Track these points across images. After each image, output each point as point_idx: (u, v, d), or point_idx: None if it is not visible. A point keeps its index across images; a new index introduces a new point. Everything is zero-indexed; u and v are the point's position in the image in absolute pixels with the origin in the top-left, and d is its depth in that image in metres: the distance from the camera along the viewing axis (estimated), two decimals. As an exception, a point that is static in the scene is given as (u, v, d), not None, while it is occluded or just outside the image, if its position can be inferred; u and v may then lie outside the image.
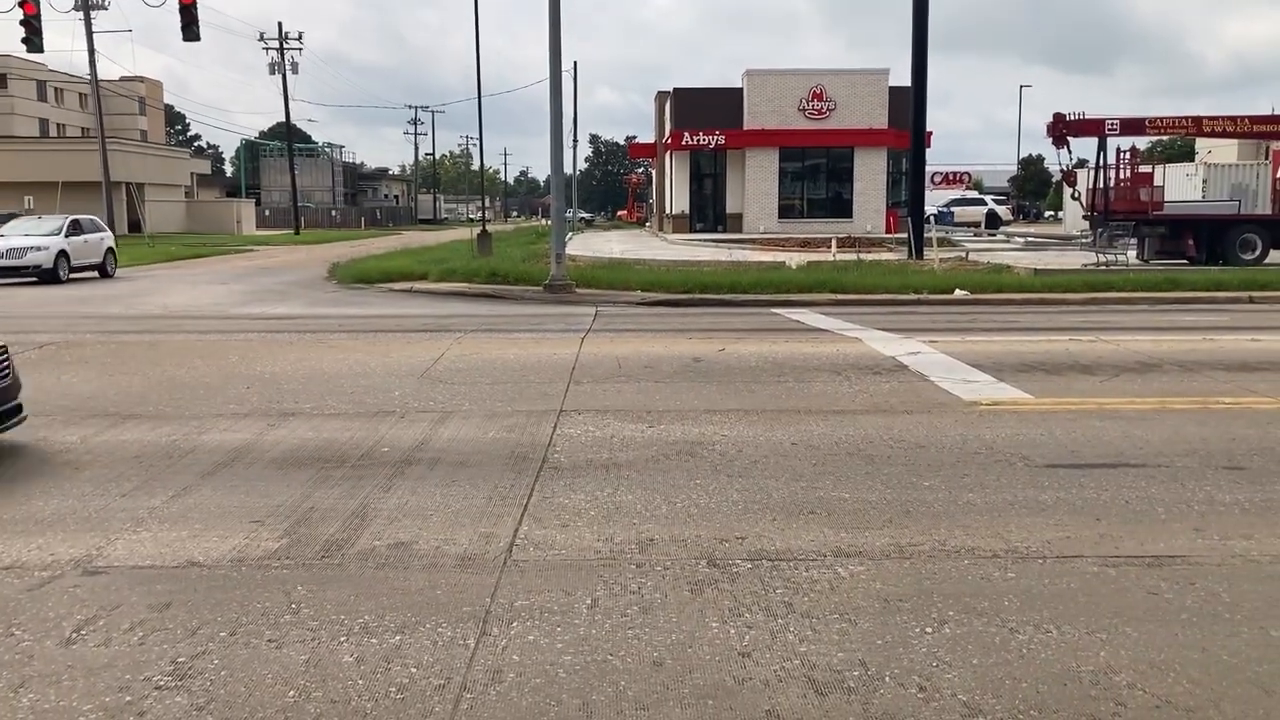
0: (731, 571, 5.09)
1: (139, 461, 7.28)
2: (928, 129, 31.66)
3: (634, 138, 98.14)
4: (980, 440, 7.74)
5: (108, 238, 28.35)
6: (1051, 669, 4.02)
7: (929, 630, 4.39)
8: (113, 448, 7.70)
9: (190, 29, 26.54)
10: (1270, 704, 3.76)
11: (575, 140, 64.44)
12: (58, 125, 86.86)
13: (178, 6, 26.08)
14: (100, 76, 45.16)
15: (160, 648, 4.24)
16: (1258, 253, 24.88)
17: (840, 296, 19.44)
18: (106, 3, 42.56)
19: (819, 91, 46.66)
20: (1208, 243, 24.99)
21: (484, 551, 5.38)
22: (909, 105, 31.77)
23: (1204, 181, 36.28)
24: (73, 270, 26.18)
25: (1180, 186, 35.28)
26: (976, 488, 6.51)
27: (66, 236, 26.20)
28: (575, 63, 78.98)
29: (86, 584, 4.97)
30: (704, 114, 47.27)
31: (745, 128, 47.10)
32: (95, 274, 27.32)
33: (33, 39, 30.90)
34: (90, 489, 6.58)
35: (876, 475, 6.81)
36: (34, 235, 25.90)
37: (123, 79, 78.71)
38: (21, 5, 29.88)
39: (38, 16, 30.42)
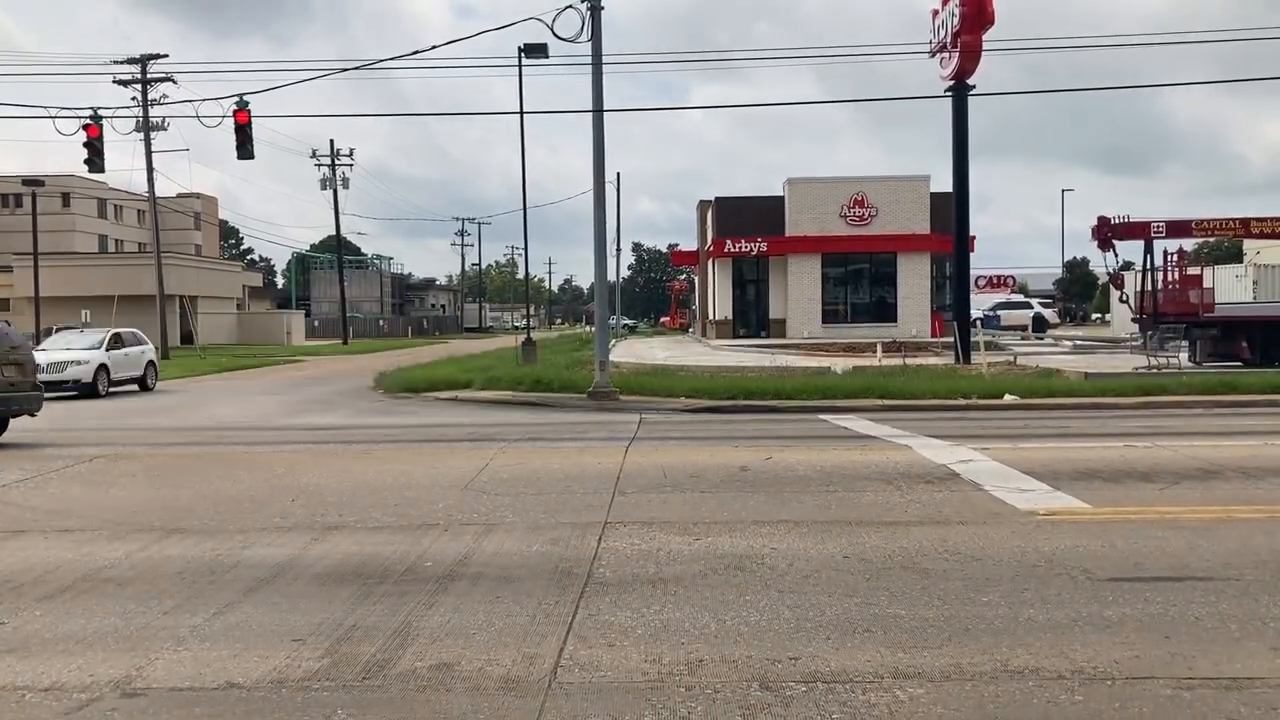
0: (785, 695, 4.89)
1: (182, 578, 7.22)
2: (971, 233, 31.69)
3: (676, 245, 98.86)
4: (1039, 552, 7.49)
5: (148, 351, 28.21)
6: (1130, 804, 3.79)
7: (996, 760, 4.17)
8: (156, 563, 7.66)
9: (245, 147, 27.25)
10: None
11: (618, 249, 65.53)
12: (116, 241, 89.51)
13: (233, 126, 26.88)
14: (158, 194, 46.58)
15: (196, 777, 4.12)
16: (1316, 354, 24.41)
17: (887, 402, 19.25)
18: (166, 124, 44.11)
19: (860, 198, 47.02)
20: (1262, 344, 24.58)
21: (528, 673, 5.22)
22: (951, 210, 31.88)
23: (1254, 283, 35.95)
24: (113, 384, 25.95)
25: (1230, 288, 34.96)
26: (1038, 603, 6.27)
27: (107, 350, 26.01)
28: (618, 174, 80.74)
29: (125, 706, 4.87)
30: (746, 221, 47.75)
31: (787, 234, 47.46)
32: (135, 387, 27.10)
33: (95, 160, 32.02)
34: (133, 606, 6.52)
35: (933, 590, 6.59)
36: (74, 349, 25.78)
37: (179, 195, 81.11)
38: (85, 129, 31.01)
39: (100, 139, 31.56)
